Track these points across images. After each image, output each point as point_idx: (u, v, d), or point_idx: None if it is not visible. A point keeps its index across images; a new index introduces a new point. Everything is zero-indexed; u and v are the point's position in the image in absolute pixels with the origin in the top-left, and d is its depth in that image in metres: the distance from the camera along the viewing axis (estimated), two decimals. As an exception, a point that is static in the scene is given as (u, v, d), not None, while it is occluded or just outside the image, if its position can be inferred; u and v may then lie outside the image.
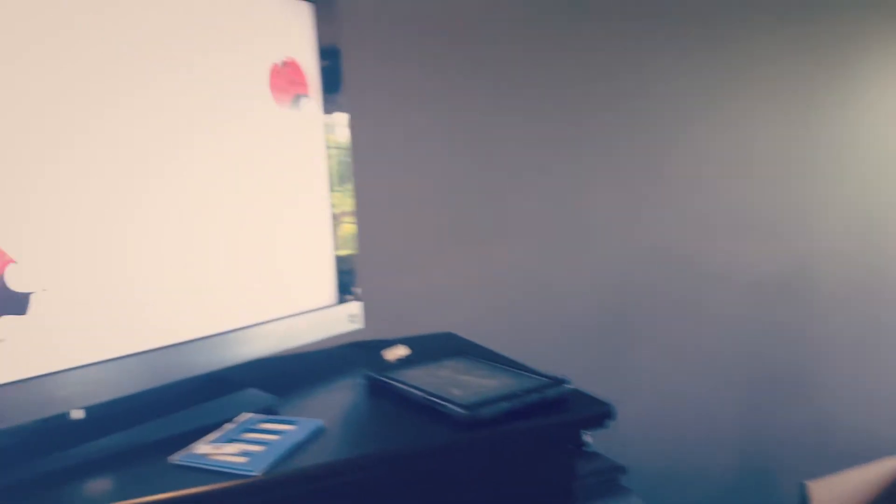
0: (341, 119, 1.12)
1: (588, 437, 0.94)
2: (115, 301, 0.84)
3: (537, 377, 0.96)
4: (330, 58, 1.10)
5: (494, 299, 1.46)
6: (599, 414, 0.91)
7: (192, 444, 0.79)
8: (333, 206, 1.11)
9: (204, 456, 0.77)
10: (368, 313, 1.18)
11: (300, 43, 1.06)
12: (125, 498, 0.69)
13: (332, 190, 1.11)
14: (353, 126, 1.16)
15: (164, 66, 0.88)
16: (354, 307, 1.14)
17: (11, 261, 0.73)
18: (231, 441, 0.81)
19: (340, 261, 1.13)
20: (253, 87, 0.99)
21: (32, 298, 0.75)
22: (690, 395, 1.70)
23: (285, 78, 1.03)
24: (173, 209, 0.89)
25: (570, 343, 1.54)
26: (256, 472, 0.73)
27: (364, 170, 1.26)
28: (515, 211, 1.48)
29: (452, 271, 1.41)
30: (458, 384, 0.94)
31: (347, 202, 1.14)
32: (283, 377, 1.05)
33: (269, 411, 0.91)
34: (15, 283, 0.73)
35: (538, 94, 1.48)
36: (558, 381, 0.93)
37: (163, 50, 0.88)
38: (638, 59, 1.58)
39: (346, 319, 1.13)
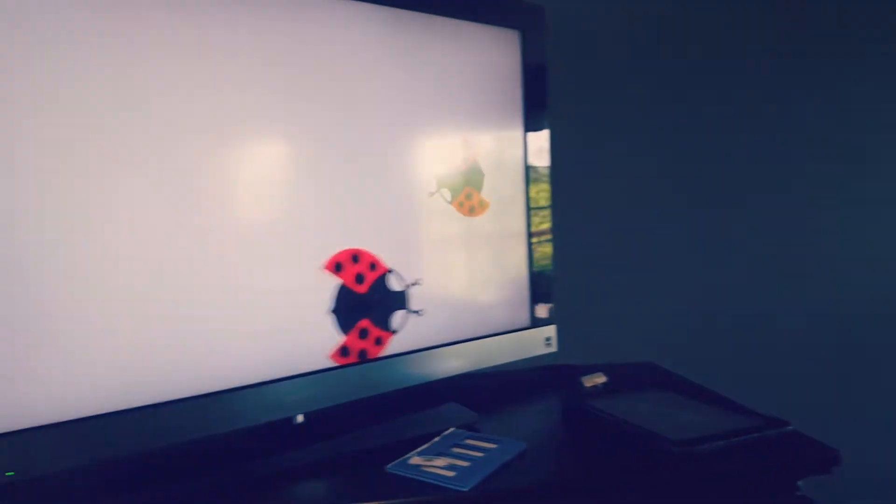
0: (542, 139, 1.13)
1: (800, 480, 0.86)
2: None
3: (755, 416, 0.89)
4: (535, 80, 1.11)
5: (698, 328, 1.38)
6: (824, 459, 0.83)
7: (406, 455, 0.83)
8: (531, 228, 1.12)
9: (416, 467, 0.79)
10: (562, 337, 1.17)
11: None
12: (351, 501, 0.73)
13: (530, 211, 1.12)
14: (554, 146, 1.16)
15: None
16: (549, 330, 1.14)
17: (387, 269, 0.94)
18: (440, 454, 0.83)
19: (536, 283, 1.12)
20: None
21: (407, 294, 0.97)
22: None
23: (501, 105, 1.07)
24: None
25: (782, 378, 1.42)
26: (465, 487, 0.75)
27: (563, 191, 1.26)
28: (725, 235, 1.39)
29: (653, 297, 1.36)
30: (666, 418, 0.90)
31: (545, 224, 1.14)
32: (480, 395, 1.07)
33: (472, 428, 0.93)
34: (394, 286, 0.95)
35: (748, 111, 1.39)
36: (779, 422, 0.86)
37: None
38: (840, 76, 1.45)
39: (542, 342, 1.13)
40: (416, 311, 0.97)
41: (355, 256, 0.91)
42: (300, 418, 0.91)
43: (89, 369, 0.72)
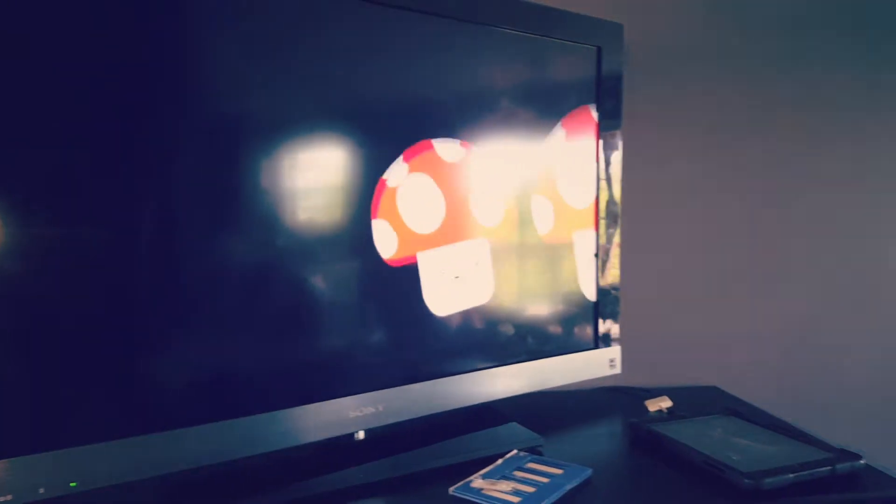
0: (615, 152, 1.12)
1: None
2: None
3: (825, 448, 0.87)
4: (610, 94, 1.10)
5: (761, 355, 1.35)
6: (899, 496, 0.81)
7: (469, 478, 0.83)
8: (600, 242, 1.11)
9: (479, 491, 0.80)
10: (625, 359, 1.16)
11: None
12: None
13: (599, 226, 1.11)
14: (626, 163, 1.15)
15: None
16: (614, 352, 1.13)
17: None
18: (503, 478, 0.83)
19: (603, 302, 1.12)
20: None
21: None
22: None
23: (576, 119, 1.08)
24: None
25: (848, 409, 1.38)
26: (529, 513, 0.75)
27: (632, 209, 1.24)
28: (791, 260, 1.36)
29: (717, 321, 1.33)
30: (734, 448, 0.89)
31: (615, 240, 1.13)
32: (541, 415, 1.07)
33: (535, 450, 0.93)
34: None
35: (822, 133, 1.35)
36: (851, 455, 0.84)
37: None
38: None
39: (606, 364, 1.12)
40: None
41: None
42: (361, 435, 0.92)
43: (172, 384, 0.75)
